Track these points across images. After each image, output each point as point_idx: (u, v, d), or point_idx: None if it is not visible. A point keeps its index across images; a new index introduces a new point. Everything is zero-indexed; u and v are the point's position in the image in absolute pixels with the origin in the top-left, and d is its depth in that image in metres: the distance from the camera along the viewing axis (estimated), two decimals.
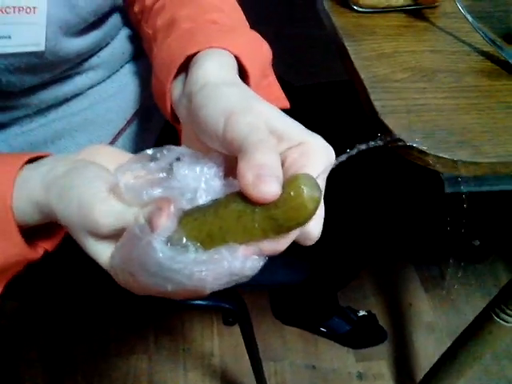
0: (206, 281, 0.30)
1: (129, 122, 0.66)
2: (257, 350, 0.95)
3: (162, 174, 0.33)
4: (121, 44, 0.62)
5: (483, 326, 0.98)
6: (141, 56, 0.66)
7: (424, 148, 0.52)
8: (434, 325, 1.37)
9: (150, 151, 0.33)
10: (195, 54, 0.41)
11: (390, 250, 1.44)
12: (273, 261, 0.33)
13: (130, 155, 0.37)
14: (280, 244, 0.31)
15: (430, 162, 0.53)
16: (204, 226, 0.30)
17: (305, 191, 0.28)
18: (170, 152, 0.33)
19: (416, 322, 1.37)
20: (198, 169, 0.32)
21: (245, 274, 0.31)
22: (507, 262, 1.50)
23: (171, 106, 0.44)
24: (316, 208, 0.28)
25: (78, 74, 0.58)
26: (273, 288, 1.22)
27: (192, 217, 0.31)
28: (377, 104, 0.57)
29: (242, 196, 0.30)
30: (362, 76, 0.60)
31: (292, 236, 0.32)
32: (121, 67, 0.64)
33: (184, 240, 0.30)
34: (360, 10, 0.69)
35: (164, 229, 0.30)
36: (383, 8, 0.69)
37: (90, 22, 0.53)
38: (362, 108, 0.61)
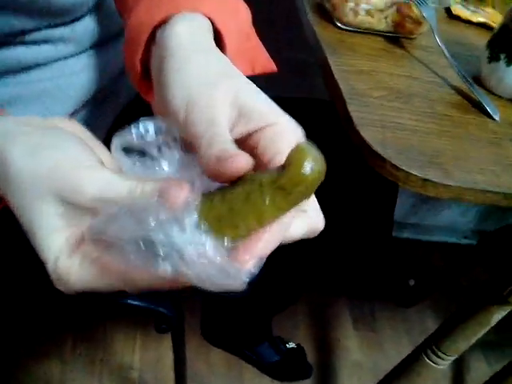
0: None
1: (86, 103, 0.62)
2: (184, 363, 0.90)
3: (159, 152, 0.31)
4: (93, 23, 0.60)
5: (412, 366, 0.98)
6: (109, 42, 0.63)
7: (397, 163, 0.52)
8: (359, 363, 1.37)
9: (146, 122, 0.32)
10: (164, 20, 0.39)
11: (326, 282, 1.44)
12: None
13: (98, 142, 0.35)
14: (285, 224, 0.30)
15: (401, 178, 0.52)
16: (213, 209, 0.29)
17: (307, 156, 0.28)
18: (168, 130, 0.32)
19: (343, 358, 1.36)
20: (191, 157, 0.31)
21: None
22: (434, 310, 1.54)
23: (140, 78, 0.42)
24: (319, 172, 0.28)
25: (49, 42, 0.54)
26: (213, 298, 1.17)
27: (205, 200, 0.29)
28: (354, 115, 0.56)
29: (246, 179, 0.29)
30: (341, 87, 0.59)
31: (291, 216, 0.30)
32: (89, 47, 0.61)
33: (203, 224, 0.28)
34: (342, 27, 0.69)
35: (189, 209, 0.28)
36: (364, 29, 0.70)
37: None
38: (337, 124, 0.60)
